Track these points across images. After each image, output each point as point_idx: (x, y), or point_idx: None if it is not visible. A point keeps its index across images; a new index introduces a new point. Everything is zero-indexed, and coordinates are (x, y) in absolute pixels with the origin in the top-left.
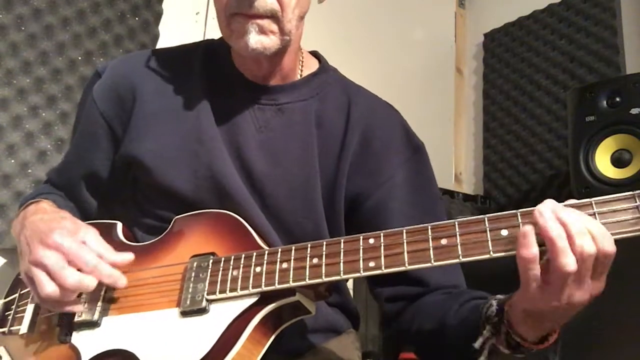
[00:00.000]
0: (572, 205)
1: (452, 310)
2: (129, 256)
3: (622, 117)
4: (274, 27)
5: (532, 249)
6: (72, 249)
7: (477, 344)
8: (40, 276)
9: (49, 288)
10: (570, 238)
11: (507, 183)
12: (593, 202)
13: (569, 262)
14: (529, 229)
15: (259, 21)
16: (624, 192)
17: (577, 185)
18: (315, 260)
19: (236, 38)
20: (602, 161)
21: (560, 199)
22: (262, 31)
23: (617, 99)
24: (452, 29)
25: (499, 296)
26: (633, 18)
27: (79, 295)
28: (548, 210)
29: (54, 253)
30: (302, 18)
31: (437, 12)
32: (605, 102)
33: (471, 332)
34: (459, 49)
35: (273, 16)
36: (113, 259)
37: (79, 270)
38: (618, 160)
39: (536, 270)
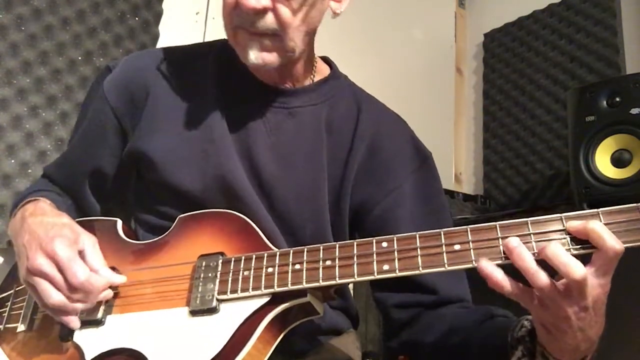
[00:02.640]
0: (579, 216)
1: (476, 325)
2: (122, 279)
3: (622, 117)
4: (276, 44)
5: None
6: (66, 260)
7: None
8: (44, 285)
9: (55, 297)
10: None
11: (507, 183)
12: (600, 213)
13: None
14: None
15: (260, 39)
16: (624, 192)
17: (577, 185)
18: (328, 263)
19: (240, 49)
20: (602, 161)
21: (560, 199)
22: (263, 48)
23: (617, 99)
24: (452, 29)
25: (529, 317)
26: (633, 18)
27: None
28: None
29: (50, 262)
30: (312, 32)
31: (437, 12)
32: (605, 102)
33: (499, 350)
34: (459, 49)
35: (275, 34)
36: (106, 277)
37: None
38: (618, 160)
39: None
